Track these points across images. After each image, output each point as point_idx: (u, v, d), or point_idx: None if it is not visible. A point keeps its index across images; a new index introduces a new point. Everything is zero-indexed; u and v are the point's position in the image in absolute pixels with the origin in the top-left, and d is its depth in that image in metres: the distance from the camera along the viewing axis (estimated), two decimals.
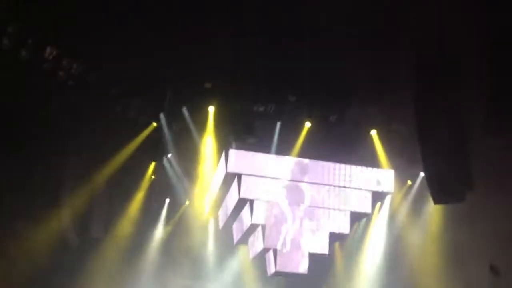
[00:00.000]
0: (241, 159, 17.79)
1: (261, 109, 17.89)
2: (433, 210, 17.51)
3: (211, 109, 17.70)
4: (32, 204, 15.71)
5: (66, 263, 16.72)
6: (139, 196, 19.06)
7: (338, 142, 18.02)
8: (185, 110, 17.81)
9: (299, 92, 17.39)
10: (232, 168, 17.68)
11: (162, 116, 17.85)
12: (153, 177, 19.27)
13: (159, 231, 20.14)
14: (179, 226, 20.12)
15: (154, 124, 17.97)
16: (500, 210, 14.10)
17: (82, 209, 17.19)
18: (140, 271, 18.79)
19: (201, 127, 18.11)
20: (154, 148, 18.46)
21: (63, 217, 17.03)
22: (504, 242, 13.92)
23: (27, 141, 15.22)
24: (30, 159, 15.53)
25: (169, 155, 18.94)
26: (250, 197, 17.98)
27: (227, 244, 20.48)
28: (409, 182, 18.80)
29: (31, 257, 15.72)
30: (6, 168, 14.69)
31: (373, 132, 18.21)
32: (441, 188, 14.47)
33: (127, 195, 18.77)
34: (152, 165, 19.15)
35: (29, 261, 15.67)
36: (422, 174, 17.94)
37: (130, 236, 18.57)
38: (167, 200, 20.36)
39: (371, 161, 18.15)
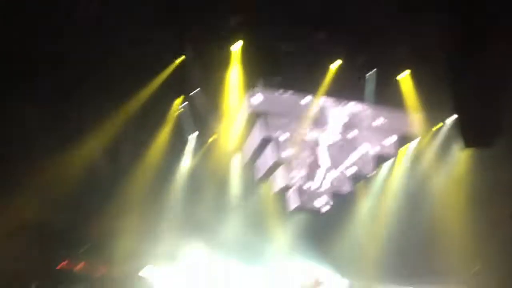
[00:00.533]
0: (266, 97, 17.76)
1: (289, 47, 17.52)
2: (459, 155, 17.28)
3: (238, 46, 17.34)
4: (62, 131, 16.30)
5: (95, 190, 17.50)
6: (167, 128, 19.41)
7: (365, 84, 17.62)
8: (213, 44, 17.57)
9: (328, 30, 16.88)
10: (257, 107, 17.73)
11: (188, 50, 17.73)
12: (181, 109, 19.48)
13: (186, 163, 20.68)
14: (205, 159, 20.52)
15: (182, 57, 17.85)
16: None
17: (112, 138, 17.65)
18: (166, 201, 19.41)
19: (228, 64, 17.93)
20: (181, 82, 18.49)
21: (93, 146, 17.63)
22: None
23: (54, 70, 15.48)
24: (60, 90, 15.90)
25: (197, 89, 19.01)
26: (274, 135, 18.19)
27: (250, 180, 20.87)
28: (438, 126, 18.40)
29: (62, 183, 16.49)
30: (36, 98, 15.15)
31: (403, 74, 17.60)
32: (472, 132, 14.11)
33: (155, 127, 19.09)
34: (180, 99, 19.31)
35: (60, 188, 16.49)
36: (450, 118, 17.54)
37: (158, 166, 19.12)
38: (193, 134, 20.69)
39: (399, 104, 17.81)
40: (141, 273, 19.05)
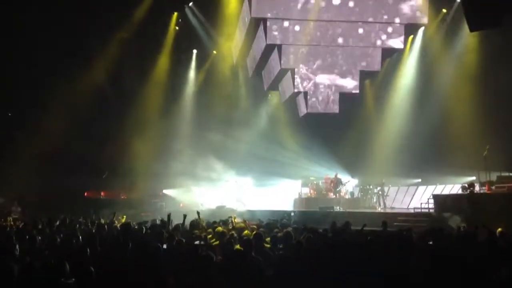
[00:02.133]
0: (266, 1, 17.06)
1: None
2: (467, 40, 16.83)
3: None
4: (67, 61, 16.19)
5: (104, 114, 17.66)
6: (167, 49, 19.07)
7: None
8: None
9: None
10: (256, 12, 17.06)
11: None
12: (177, 28, 18.93)
13: (191, 81, 20.56)
14: (209, 75, 20.35)
15: None
16: None
17: (114, 64, 17.45)
18: (176, 120, 19.57)
19: None
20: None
21: (98, 73, 17.52)
22: None
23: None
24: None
25: (190, 4, 18.35)
26: (278, 42, 17.75)
27: (258, 90, 20.81)
28: (444, 10, 17.72)
29: (71, 110, 16.61)
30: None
31: None
32: (477, 13, 13.66)
33: (155, 47, 18.79)
34: (175, 16, 18.71)
35: (69, 114, 16.63)
36: (457, 1, 16.84)
37: (163, 86, 19.06)
38: (195, 51, 20.32)
39: None
40: (162, 192, 19.76)
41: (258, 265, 5.52)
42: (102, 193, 19.45)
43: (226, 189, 19.20)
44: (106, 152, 17.24)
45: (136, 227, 9.26)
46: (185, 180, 18.84)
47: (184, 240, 6.79)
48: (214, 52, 20.15)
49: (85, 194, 19.08)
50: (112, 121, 17.47)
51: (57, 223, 9.86)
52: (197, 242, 6.99)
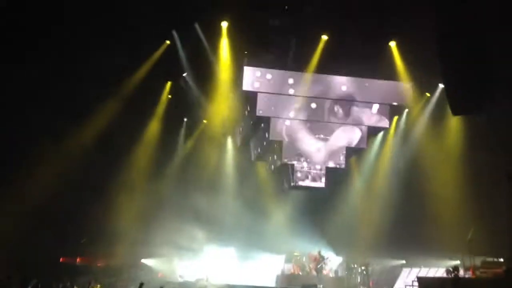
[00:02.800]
0: (256, 76, 17.67)
1: (276, 22, 17.30)
2: (450, 123, 17.37)
3: (224, 25, 17.12)
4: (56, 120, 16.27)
5: (91, 175, 17.47)
6: (157, 116, 19.33)
7: (356, 55, 17.53)
8: (197, 26, 17.31)
9: (315, 2, 16.65)
10: (248, 86, 17.63)
11: (174, 33, 17.51)
12: (169, 96, 19.32)
13: (179, 149, 20.65)
14: (198, 143, 20.49)
15: (167, 42, 17.62)
16: None
17: (104, 125, 17.58)
18: (162, 186, 19.39)
19: (215, 44, 17.73)
20: (168, 68, 18.32)
21: (87, 134, 17.55)
22: None
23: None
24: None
25: (184, 74, 18.85)
26: (267, 115, 18.17)
27: (246, 161, 20.92)
28: (428, 94, 18.43)
29: (58, 168, 16.43)
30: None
31: (392, 44, 17.52)
32: (460, 99, 14.22)
33: (147, 113, 19.04)
34: (168, 85, 19.16)
35: (56, 173, 16.43)
36: (440, 86, 17.56)
37: (152, 151, 19.09)
38: (185, 119, 20.61)
39: (389, 74, 17.82)
40: (141, 262, 19.13)
41: None
42: (78, 259, 18.76)
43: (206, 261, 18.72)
44: (91, 213, 16.88)
45: None
46: (167, 249, 18.41)
47: None
48: (205, 121, 20.44)
49: (61, 259, 18.38)
50: (99, 183, 17.25)
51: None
52: None
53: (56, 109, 16.26)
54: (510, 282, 11.15)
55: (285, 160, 18.52)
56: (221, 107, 19.67)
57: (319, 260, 17.28)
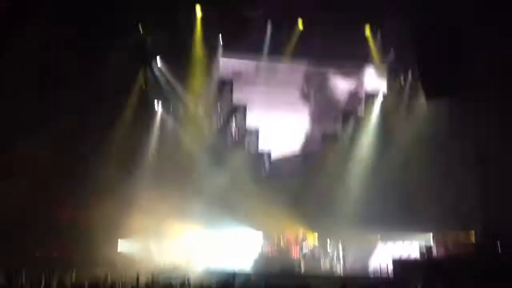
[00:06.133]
0: (231, 65, 17.66)
1: (251, 12, 17.23)
2: (423, 108, 17.77)
3: (198, 14, 16.88)
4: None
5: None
6: (132, 105, 19.04)
7: (331, 42, 17.65)
8: (171, 15, 17.05)
9: None
10: (223, 75, 17.63)
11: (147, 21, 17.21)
12: (144, 86, 19.03)
13: (155, 137, 20.42)
14: (174, 131, 20.30)
15: (140, 30, 17.31)
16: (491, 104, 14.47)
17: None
18: (139, 173, 19.20)
19: (189, 32, 17.51)
20: (142, 55, 18.05)
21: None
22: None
23: None
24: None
25: (158, 63, 18.58)
26: (243, 103, 18.22)
27: (222, 148, 20.87)
28: (402, 80, 18.76)
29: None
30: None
31: (367, 29, 17.63)
32: (434, 84, 14.63)
33: (121, 103, 18.73)
34: (142, 73, 18.84)
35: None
36: (413, 72, 17.89)
37: (127, 143, 18.83)
38: (159, 106, 20.36)
39: (364, 60, 18.05)
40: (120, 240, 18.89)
41: None
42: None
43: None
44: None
45: None
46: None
47: None
48: (180, 109, 20.22)
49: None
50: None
51: None
52: None
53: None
54: (481, 258, 11.67)
55: (262, 148, 18.64)
56: (196, 96, 19.55)
57: (301, 242, 17.48)
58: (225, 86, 18.04)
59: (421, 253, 13.65)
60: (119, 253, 18.71)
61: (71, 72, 16.25)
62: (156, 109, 20.30)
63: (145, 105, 19.53)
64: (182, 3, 16.54)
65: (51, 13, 15.02)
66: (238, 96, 17.87)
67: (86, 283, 9.52)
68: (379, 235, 18.13)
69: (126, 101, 18.88)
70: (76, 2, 14.97)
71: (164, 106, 20.26)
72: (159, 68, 18.81)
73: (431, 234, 15.18)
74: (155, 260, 17.65)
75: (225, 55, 17.61)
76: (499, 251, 11.98)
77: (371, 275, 14.61)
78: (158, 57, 18.51)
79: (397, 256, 15.33)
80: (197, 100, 19.97)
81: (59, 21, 15.32)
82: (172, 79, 19.09)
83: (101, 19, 16.02)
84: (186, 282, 8.84)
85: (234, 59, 17.62)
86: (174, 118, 20.34)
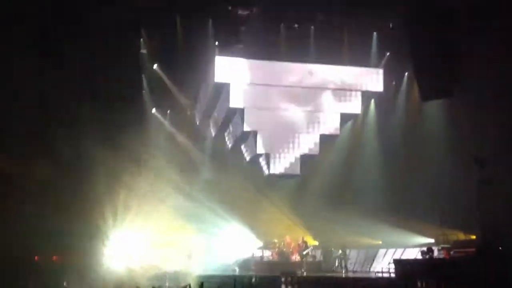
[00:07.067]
0: (229, 66, 17.57)
1: (246, 12, 17.21)
2: (420, 107, 17.79)
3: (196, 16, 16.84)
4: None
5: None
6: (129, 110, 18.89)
7: (327, 43, 17.69)
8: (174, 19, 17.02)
9: None
10: (220, 77, 17.53)
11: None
12: (144, 91, 18.98)
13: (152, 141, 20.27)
14: (173, 134, 20.20)
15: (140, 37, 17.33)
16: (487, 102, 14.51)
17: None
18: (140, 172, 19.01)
19: (187, 34, 17.43)
20: (140, 60, 18.02)
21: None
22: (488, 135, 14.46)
23: None
24: None
25: (155, 66, 18.53)
26: (240, 105, 18.17)
27: (221, 150, 20.80)
28: (396, 81, 18.82)
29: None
30: None
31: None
32: (430, 85, 14.64)
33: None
34: (141, 77, 18.79)
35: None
36: (409, 73, 17.92)
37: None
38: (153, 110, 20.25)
39: (360, 61, 18.07)
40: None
41: None
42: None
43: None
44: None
45: None
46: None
47: None
48: (178, 112, 20.16)
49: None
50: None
51: None
52: None
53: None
54: (481, 261, 11.63)
55: (260, 150, 18.60)
56: (193, 98, 19.49)
57: (303, 247, 17.47)
58: (222, 88, 17.94)
59: (422, 252, 13.60)
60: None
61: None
62: (153, 113, 20.30)
63: (142, 110, 19.50)
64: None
65: None
66: (235, 99, 17.74)
67: None
68: (380, 242, 18.18)
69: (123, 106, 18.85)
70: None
71: (161, 111, 20.24)
72: (156, 73, 18.76)
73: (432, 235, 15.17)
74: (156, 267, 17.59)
75: (221, 56, 17.49)
76: (499, 251, 11.96)
77: (373, 276, 14.55)
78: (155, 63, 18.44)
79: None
80: (194, 103, 19.97)
81: None
82: (169, 84, 19.04)
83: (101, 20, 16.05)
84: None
85: (231, 60, 17.54)
86: (171, 123, 20.34)
